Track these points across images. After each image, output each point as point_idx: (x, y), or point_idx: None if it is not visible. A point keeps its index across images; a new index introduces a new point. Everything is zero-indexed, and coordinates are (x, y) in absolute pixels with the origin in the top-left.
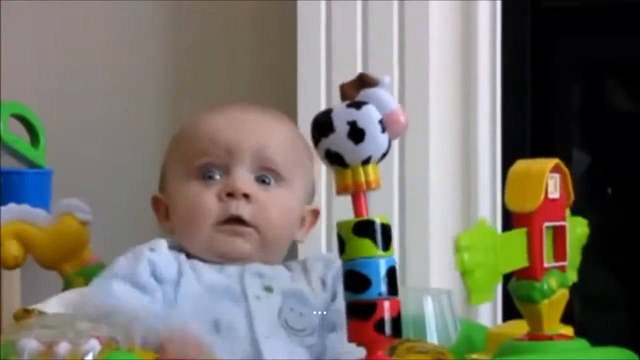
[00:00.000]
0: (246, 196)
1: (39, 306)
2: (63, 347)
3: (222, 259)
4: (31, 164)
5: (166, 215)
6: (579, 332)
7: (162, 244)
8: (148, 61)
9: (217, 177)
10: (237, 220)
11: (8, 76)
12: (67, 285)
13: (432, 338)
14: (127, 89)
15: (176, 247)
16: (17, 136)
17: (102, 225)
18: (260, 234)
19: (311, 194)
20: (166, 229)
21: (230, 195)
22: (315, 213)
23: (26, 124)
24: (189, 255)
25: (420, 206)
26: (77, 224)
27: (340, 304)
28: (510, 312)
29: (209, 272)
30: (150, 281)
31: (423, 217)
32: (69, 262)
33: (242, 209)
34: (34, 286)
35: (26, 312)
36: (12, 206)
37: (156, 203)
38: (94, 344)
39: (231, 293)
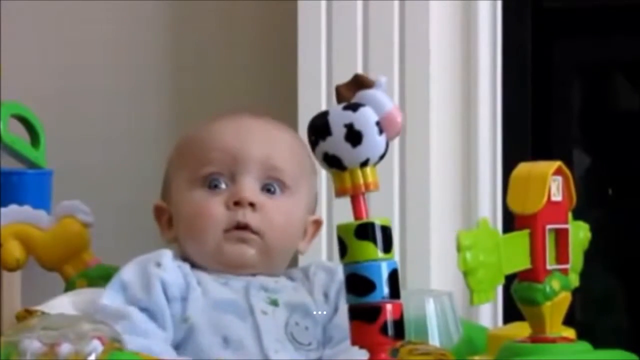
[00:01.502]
0: (252, 205)
1: (41, 307)
2: (65, 348)
3: (228, 267)
4: (31, 165)
5: (168, 224)
6: (581, 333)
7: (167, 255)
8: (148, 61)
9: (223, 185)
10: (244, 227)
11: (8, 76)
12: (69, 287)
13: (434, 340)
14: (128, 89)
15: (179, 256)
16: (18, 137)
17: (103, 226)
18: (264, 241)
19: (314, 205)
20: (168, 238)
21: (237, 203)
22: (317, 224)
23: (26, 124)
24: (193, 265)
25: (421, 207)
26: (79, 226)
27: (341, 318)
28: (511, 313)
29: (214, 287)
30: (165, 307)
31: (423, 218)
32: (71, 264)
33: (248, 216)
34: (35, 287)
35: (28, 313)
36: (13, 208)
37: (159, 212)
38: (96, 345)
39: (237, 308)
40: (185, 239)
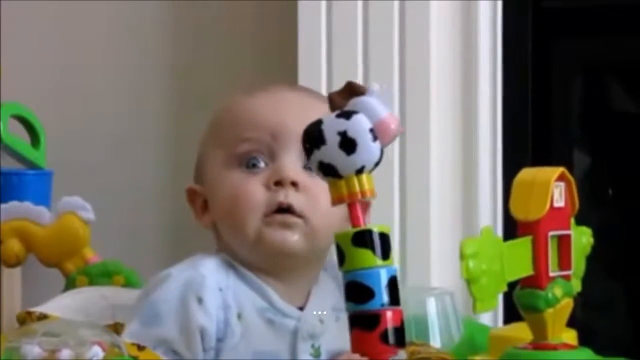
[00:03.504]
0: (294, 184)
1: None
2: (65, 354)
3: (270, 256)
4: (32, 165)
5: (203, 208)
6: (580, 335)
7: (210, 280)
8: (148, 61)
9: (262, 164)
10: (286, 210)
11: (8, 76)
12: (69, 284)
13: (435, 338)
14: (128, 89)
15: (223, 260)
16: (18, 137)
17: (102, 226)
18: (309, 225)
19: None
20: (204, 223)
21: (278, 183)
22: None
23: (26, 125)
24: (234, 256)
25: (421, 210)
26: (79, 222)
27: None
28: (511, 313)
29: (257, 328)
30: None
31: (424, 221)
32: (71, 261)
33: (291, 197)
34: (35, 285)
35: (28, 315)
36: (13, 204)
37: (192, 195)
38: (97, 351)
39: None
40: (223, 227)
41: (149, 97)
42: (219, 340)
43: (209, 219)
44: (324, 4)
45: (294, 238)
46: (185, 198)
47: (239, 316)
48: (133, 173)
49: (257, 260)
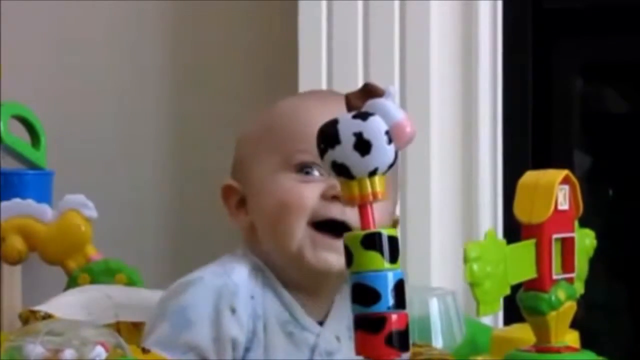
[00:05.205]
0: None
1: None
2: (68, 354)
3: (309, 275)
4: (32, 165)
5: (239, 206)
6: (583, 337)
7: (242, 289)
8: (148, 61)
9: (317, 173)
10: (339, 225)
11: (8, 77)
12: (71, 282)
13: (437, 339)
14: (128, 89)
15: (254, 265)
16: (18, 137)
17: (103, 226)
18: None
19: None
20: (240, 222)
21: (336, 198)
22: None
23: (27, 125)
24: (265, 273)
25: (421, 211)
26: (81, 220)
27: None
28: (511, 314)
29: (279, 342)
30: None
31: (424, 221)
32: (73, 258)
33: (348, 213)
34: (35, 284)
35: (32, 313)
36: (16, 201)
37: (228, 192)
38: (100, 351)
39: None
40: (264, 230)
41: (149, 97)
42: (246, 349)
43: (246, 218)
44: (324, 4)
45: (340, 262)
46: (220, 195)
47: (265, 327)
48: (133, 173)
49: (292, 272)
